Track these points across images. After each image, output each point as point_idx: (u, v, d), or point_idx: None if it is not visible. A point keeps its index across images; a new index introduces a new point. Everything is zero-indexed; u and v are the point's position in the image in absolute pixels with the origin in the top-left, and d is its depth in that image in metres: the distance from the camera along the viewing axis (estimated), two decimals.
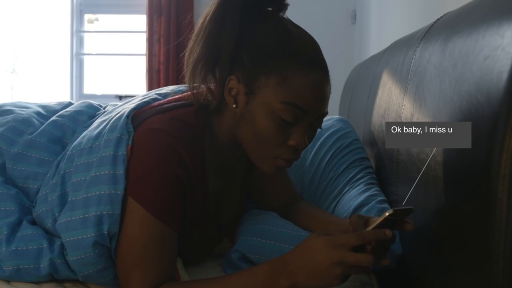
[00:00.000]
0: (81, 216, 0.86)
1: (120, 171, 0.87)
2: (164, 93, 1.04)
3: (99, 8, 4.02)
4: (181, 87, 1.05)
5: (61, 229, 0.88)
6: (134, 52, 4.04)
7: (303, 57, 0.88)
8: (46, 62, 4.09)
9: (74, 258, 0.87)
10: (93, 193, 0.87)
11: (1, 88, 4.10)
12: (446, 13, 0.89)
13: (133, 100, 1.04)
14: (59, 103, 1.19)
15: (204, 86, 0.93)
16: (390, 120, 1.07)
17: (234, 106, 0.90)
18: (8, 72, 4.18)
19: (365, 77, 1.63)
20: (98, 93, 4.03)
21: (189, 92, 0.96)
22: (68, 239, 0.87)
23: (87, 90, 4.02)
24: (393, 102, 1.06)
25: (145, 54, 3.74)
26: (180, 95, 1.00)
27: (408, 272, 0.90)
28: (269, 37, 0.89)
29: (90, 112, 1.12)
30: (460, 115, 0.64)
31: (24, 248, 0.91)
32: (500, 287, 0.53)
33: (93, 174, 0.88)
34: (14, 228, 0.93)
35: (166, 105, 0.96)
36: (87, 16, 4.03)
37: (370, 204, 1.03)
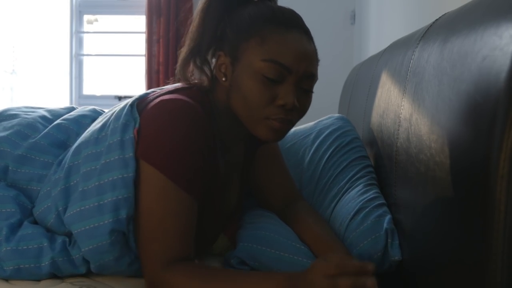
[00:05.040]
0: (96, 204, 0.86)
1: (130, 153, 0.87)
2: (163, 87, 1.06)
3: (98, 9, 4.02)
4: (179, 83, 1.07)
5: (73, 220, 0.88)
6: (133, 53, 4.03)
7: (280, 18, 0.93)
8: (46, 63, 4.09)
9: (89, 247, 0.87)
10: (106, 180, 0.87)
11: (1, 89, 4.10)
12: (445, 14, 0.89)
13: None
14: (65, 108, 1.20)
15: (198, 73, 0.98)
16: (389, 120, 1.07)
17: (224, 79, 0.95)
18: (8, 73, 4.18)
19: (364, 78, 1.63)
20: (98, 93, 4.03)
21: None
22: (81, 229, 0.87)
23: (86, 90, 4.01)
24: (392, 103, 1.06)
25: (145, 55, 3.73)
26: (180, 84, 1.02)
27: (406, 273, 0.90)
28: (250, 11, 0.95)
29: (94, 116, 1.13)
30: (458, 115, 0.64)
31: (25, 247, 0.91)
32: (498, 287, 0.53)
33: (103, 162, 0.89)
34: (14, 228, 0.93)
35: (168, 90, 0.98)
36: (86, 17, 4.03)
37: (367, 209, 1.03)
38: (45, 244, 0.91)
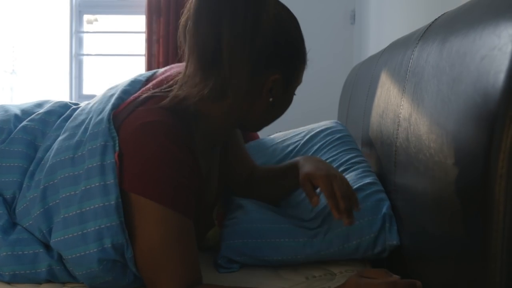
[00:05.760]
0: (79, 233, 0.84)
1: (110, 180, 0.84)
2: (131, 82, 1.02)
3: (98, 9, 4.02)
4: (141, 76, 1.04)
5: (60, 248, 0.86)
6: (133, 53, 4.03)
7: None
8: (46, 62, 4.09)
9: (79, 273, 0.85)
10: (88, 208, 0.84)
11: (1, 89, 4.10)
12: (444, 14, 0.89)
13: (99, 99, 1.01)
14: (38, 105, 1.14)
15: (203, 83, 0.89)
16: (389, 120, 1.07)
17: (271, 100, 0.94)
18: (8, 73, 4.18)
19: (364, 77, 1.63)
20: (98, 93, 4.02)
21: (159, 79, 0.97)
22: (70, 256, 0.85)
23: (86, 90, 4.01)
24: (392, 102, 1.06)
25: (144, 55, 3.73)
26: (151, 84, 0.98)
27: (406, 272, 0.90)
28: (295, 34, 0.95)
29: (61, 111, 1.08)
30: (457, 115, 0.64)
31: (20, 252, 0.89)
32: (498, 286, 0.53)
33: (83, 188, 0.85)
34: (6, 230, 0.92)
35: (143, 96, 0.93)
36: (86, 17, 4.03)
37: (368, 192, 1.05)
38: (41, 250, 0.89)
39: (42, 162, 0.94)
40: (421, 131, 0.80)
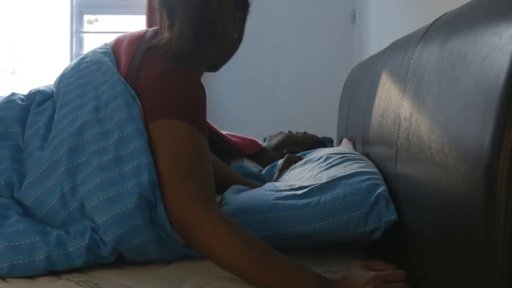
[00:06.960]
0: (117, 174, 0.91)
1: (140, 127, 0.95)
2: (104, 54, 1.13)
3: (98, 9, 4.01)
4: (102, 49, 1.16)
5: (92, 192, 0.91)
6: None
7: None
8: (46, 63, 4.09)
9: (110, 215, 0.88)
10: (124, 152, 0.92)
11: (1, 89, 4.10)
12: (445, 14, 0.89)
13: (80, 75, 1.08)
14: None
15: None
16: (389, 120, 1.07)
17: (236, 36, 1.16)
18: (8, 73, 4.18)
19: (364, 77, 1.63)
20: None
21: (128, 42, 1.12)
22: (103, 198, 0.89)
23: None
24: (392, 102, 1.06)
25: None
26: (125, 50, 1.10)
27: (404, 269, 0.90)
28: None
29: (15, 98, 1.12)
30: (458, 115, 0.64)
31: (17, 243, 0.89)
32: (498, 286, 0.53)
33: (117, 136, 0.94)
34: (0, 222, 0.92)
35: (137, 58, 1.05)
36: (86, 17, 4.02)
37: (367, 177, 1.05)
38: (38, 238, 0.90)
39: (52, 136, 0.99)
40: (422, 131, 0.80)
